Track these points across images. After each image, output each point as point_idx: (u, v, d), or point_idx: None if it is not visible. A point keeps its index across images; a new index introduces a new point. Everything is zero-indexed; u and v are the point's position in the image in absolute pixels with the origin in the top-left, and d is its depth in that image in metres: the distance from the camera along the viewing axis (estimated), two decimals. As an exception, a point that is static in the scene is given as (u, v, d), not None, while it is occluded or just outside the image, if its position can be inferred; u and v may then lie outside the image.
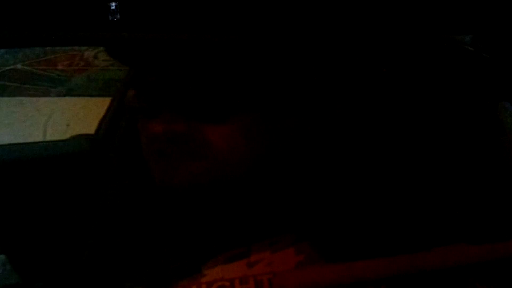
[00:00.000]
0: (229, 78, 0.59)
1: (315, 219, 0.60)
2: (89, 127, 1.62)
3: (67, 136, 1.58)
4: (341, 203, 0.61)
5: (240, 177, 0.61)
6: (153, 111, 0.61)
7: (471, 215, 0.65)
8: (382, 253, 0.50)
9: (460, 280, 0.45)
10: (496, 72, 0.76)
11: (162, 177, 0.63)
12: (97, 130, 1.59)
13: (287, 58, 0.62)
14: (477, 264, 0.46)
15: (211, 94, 0.59)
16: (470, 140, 0.73)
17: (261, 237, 0.60)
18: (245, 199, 0.62)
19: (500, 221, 0.65)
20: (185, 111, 0.60)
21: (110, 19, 0.47)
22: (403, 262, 0.45)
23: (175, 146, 0.61)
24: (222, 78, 0.59)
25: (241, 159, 0.60)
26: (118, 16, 0.45)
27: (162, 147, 0.62)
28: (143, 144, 0.64)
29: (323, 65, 0.64)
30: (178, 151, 0.61)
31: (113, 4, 0.48)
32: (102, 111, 1.59)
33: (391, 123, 0.68)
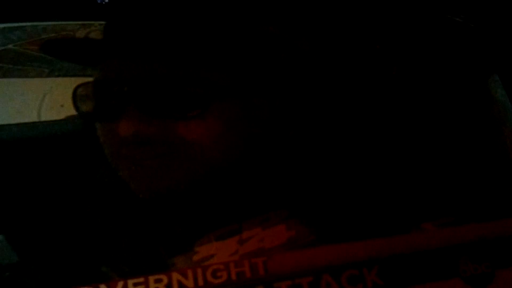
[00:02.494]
0: (199, 68, 0.55)
1: (307, 198, 0.61)
2: (83, 107, 1.62)
3: (61, 116, 1.58)
4: (331, 182, 0.62)
5: (224, 169, 0.59)
6: (116, 111, 0.55)
7: (461, 192, 0.66)
8: (373, 232, 0.51)
9: (451, 259, 0.46)
10: (486, 46, 0.77)
11: (138, 186, 0.58)
12: (91, 110, 1.58)
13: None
14: (468, 243, 0.47)
15: (181, 88, 0.55)
16: (461, 113, 0.73)
17: (252, 215, 0.60)
18: (235, 178, 0.61)
19: (490, 199, 0.66)
20: (153, 108, 0.55)
21: (98, 1, 0.48)
22: (395, 242, 0.46)
23: (148, 149, 0.56)
24: (192, 69, 0.55)
25: (222, 152, 0.58)
26: (107, 0, 0.46)
27: (133, 153, 0.57)
28: (108, 151, 0.59)
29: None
30: (152, 155, 0.56)
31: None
32: (95, 91, 1.58)
33: (382, 99, 0.68)
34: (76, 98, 0.58)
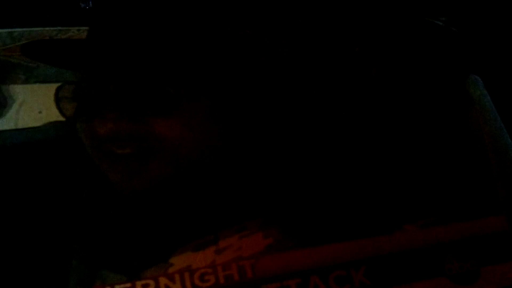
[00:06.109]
0: (172, 67, 0.57)
1: (283, 205, 0.61)
2: (62, 113, 1.60)
3: (40, 123, 1.56)
4: (308, 187, 0.62)
5: (200, 168, 0.60)
6: (96, 111, 0.57)
7: (442, 192, 0.67)
8: (357, 233, 0.51)
9: (437, 257, 0.47)
10: (465, 46, 0.77)
11: (119, 181, 0.59)
12: (70, 116, 1.57)
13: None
14: (453, 242, 0.47)
15: (156, 84, 0.56)
16: (439, 114, 0.74)
17: (229, 224, 0.60)
18: (210, 186, 0.61)
19: (473, 198, 0.67)
20: (130, 106, 0.57)
21: (82, 6, 0.47)
22: (382, 243, 0.46)
23: (127, 145, 0.58)
24: (165, 67, 0.57)
25: (196, 148, 0.59)
26: (90, 4, 0.45)
27: (113, 149, 0.58)
28: (90, 149, 0.60)
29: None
30: (132, 151, 0.58)
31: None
32: (74, 97, 1.57)
33: (361, 101, 0.69)
34: (58, 100, 0.59)
